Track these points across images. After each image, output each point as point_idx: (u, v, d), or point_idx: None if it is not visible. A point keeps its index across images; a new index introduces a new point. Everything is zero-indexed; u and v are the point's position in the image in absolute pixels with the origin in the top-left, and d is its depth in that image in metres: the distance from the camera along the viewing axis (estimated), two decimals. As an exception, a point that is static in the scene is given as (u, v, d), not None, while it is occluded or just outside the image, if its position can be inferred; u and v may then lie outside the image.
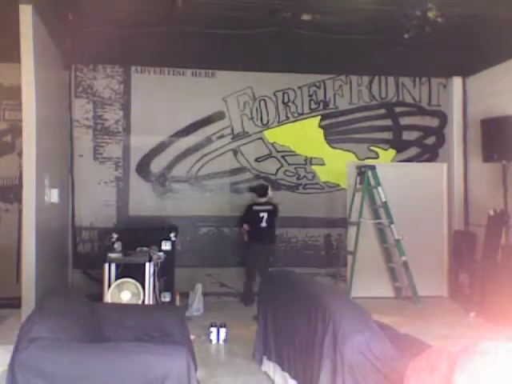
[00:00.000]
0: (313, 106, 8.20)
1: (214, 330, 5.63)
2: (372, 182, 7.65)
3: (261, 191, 7.60)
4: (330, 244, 8.17)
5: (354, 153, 8.24)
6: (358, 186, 7.76)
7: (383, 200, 7.56)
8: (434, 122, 8.46)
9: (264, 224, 7.44)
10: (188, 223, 7.74)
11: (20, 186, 6.06)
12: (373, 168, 7.62)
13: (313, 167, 8.17)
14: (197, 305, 6.89)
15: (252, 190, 7.78)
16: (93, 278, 7.37)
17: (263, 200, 7.57)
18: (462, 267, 7.58)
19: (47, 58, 6.25)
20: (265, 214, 7.43)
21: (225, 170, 7.97)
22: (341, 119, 8.25)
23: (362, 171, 7.71)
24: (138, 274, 6.14)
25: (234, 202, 7.88)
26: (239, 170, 8.01)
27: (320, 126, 8.21)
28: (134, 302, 5.95)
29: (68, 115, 7.58)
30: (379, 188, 7.57)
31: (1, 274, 6.90)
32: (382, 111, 8.35)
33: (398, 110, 8.38)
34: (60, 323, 3.16)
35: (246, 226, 7.55)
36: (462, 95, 8.28)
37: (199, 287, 7.05)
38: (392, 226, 7.55)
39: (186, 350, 3.11)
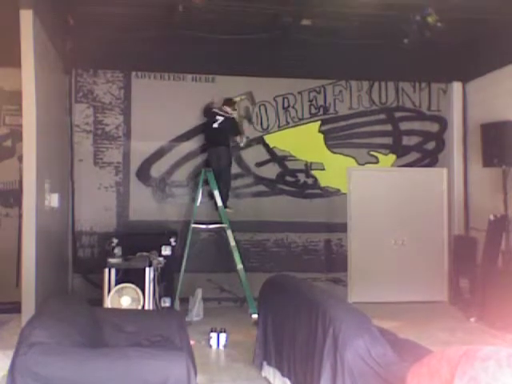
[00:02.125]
0: (313, 111, 8.20)
1: (213, 335, 5.63)
2: None
3: (227, 101, 7.65)
4: (330, 249, 8.16)
5: (354, 158, 8.24)
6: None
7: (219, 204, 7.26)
8: (433, 127, 8.45)
9: (216, 125, 7.46)
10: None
11: (20, 191, 6.08)
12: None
13: (313, 172, 8.16)
14: (197, 310, 6.88)
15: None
16: (93, 282, 7.35)
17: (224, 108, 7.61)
18: (463, 272, 7.56)
19: (47, 62, 6.26)
20: (221, 118, 7.48)
21: (225, 174, 7.96)
22: (341, 124, 8.24)
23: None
24: (137, 279, 6.15)
25: (234, 207, 7.85)
26: (239, 175, 8.00)
27: (320, 131, 8.21)
28: (133, 307, 5.95)
29: (68, 120, 7.59)
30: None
31: (1, 279, 6.90)
32: (382, 116, 8.35)
33: (397, 115, 8.38)
34: (60, 328, 3.16)
35: None
36: (461, 100, 8.28)
37: (199, 292, 7.04)
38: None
39: (186, 355, 3.10)
